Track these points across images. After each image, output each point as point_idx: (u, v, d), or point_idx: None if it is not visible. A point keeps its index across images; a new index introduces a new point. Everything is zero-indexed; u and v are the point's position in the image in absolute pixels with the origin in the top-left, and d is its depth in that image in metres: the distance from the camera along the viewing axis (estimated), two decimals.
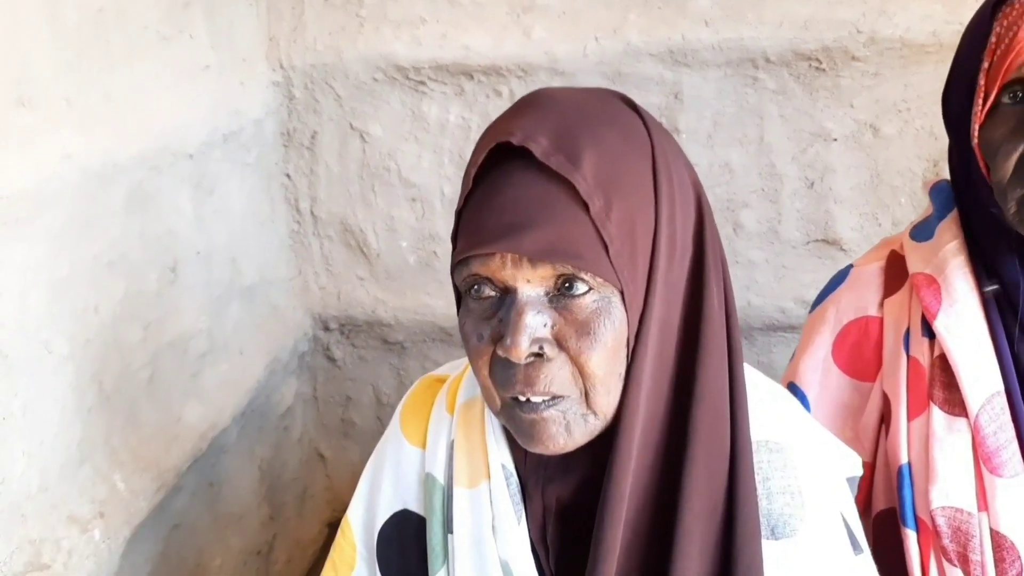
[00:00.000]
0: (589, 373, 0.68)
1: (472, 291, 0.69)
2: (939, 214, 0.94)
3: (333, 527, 1.87)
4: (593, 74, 1.56)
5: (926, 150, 1.55)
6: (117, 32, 1.18)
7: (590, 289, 0.67)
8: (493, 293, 0.69)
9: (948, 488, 0.86)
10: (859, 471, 0.83)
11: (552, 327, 0.68)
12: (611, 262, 0.67)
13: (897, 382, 0.92)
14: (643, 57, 1.54)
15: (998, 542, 0.84)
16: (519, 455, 0.77)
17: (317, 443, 1.84)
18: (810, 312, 1.05)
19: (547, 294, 0.68)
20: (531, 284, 0.67)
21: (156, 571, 1.23)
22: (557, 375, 0.68)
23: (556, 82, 1.58)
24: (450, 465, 0.80)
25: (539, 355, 0.67)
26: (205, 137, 1.37)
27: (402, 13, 1.58)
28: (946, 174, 1.56)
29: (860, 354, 0.97)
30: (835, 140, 1.56)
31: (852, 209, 1.59)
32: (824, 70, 1.52)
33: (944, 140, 1.51)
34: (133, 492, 1.16)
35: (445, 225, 1.70)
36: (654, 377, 0.70)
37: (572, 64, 1.56)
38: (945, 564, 0.89)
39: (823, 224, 1.61)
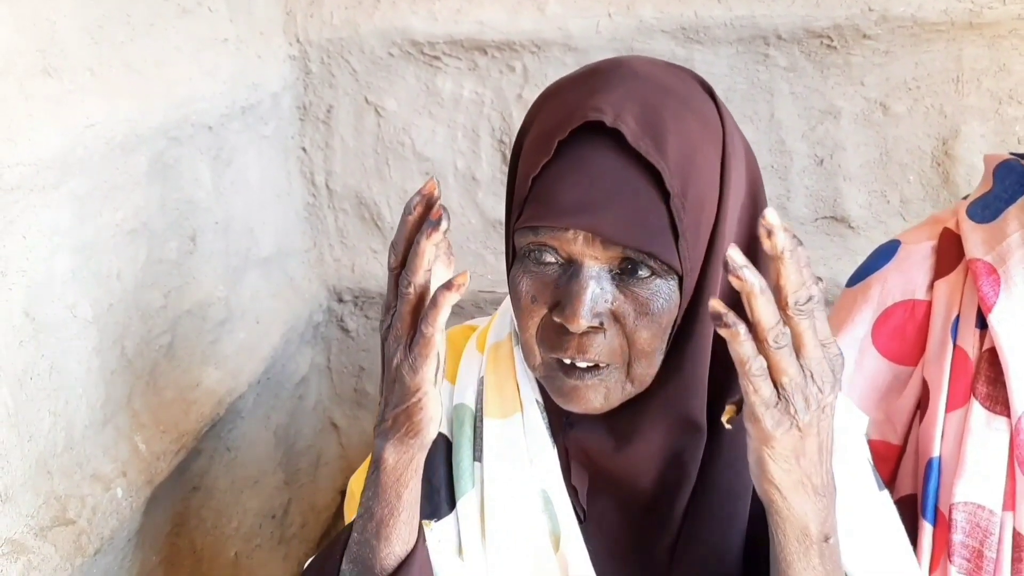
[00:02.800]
0: (639, 349, 0.72)
1: (533, 254, 0.72)
2: (1008, 195, 0.90)
3: (345, 494, 1.91)
4: (606, 50, 1.57)
5: (936, 128, 1.56)
6: (138, 3, 1.20)
7: (653, 273, 0.70)
8: (554, 260, 0.72)
9: (975, 484, 0.85)
10: (865, 430, 0.86)
11: (611, 303, 0.71)
12: (678, 250, 0.70)
13: (940, 371, 0.90)
14: (655, 34, 1.56)
15: (1018, 543, 0.84)
16: (545, 395, 0.81)
17: (331, 412, 1.87)
18: (849, 285, 1.02)
19: (610, 271, 0.71)
20: (598, 261, 0.70)
21: (175, 531, 1.27)
22: (607, 346, 0.72)
23: (569, 58, 1.60)
24: (480, 398, 0.84)
25: (595, 328, 0.70)
26: (224, 109, 1.40)
27: None
28: (956, 153, 1.58)
29: (903, 337, 0.94)
30: (844, 117, 1.57)
31: (861, 186, 1.61)
32: (835, 48, 1.53)
33: (953, 119, 1.53)
34: (154, 453, 1.20)
35: (458, 199, 1.73)
36: (692, 355, 0.74)
37: (585, 40, 1.58)
38: (950, 566, 0.88)
39: (832, 201, 1.62)
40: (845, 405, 0.83)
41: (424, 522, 0.79)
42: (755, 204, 0.77)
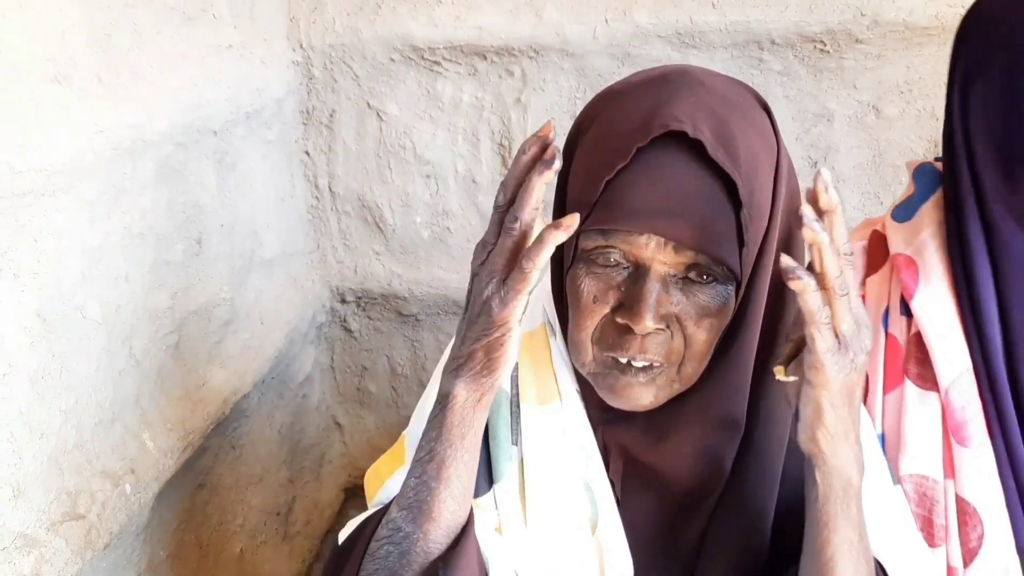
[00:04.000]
0: (695, 351, 0.75)
1: (599, 256, 0.75)
2: (922, 195, 0.99)
3: (349, 492, 1.94)
4: (603, 55, 1.60)
5: (927, 131, 1.59)
6: (144, 11, 1.23)
7: (715, 279, 0.74)
8: (620, 262, 0.74)
9: (917, 456, 0.92)
10: None
11: (675, 306, 0.74)
12: (740, 259, 0.73)
13: (876, 358, 0.97)
14: (651, 39, 1.58)
15: (962, 507, 0.90)
16: (583, 387, 0.83)
17: (334, 411, 1.90)
18: None
19: (674, 276, 0.74)
20: (665, 265, 0.73)
21: (182, 526, 1.30)
22: (665, 347, 0.75)
23: (567, 64, 1.63)
24: (515, 384, 0.85)
25: (660, 329, 0.74)
26: (229, 115, 1.43)
27: None
28: None
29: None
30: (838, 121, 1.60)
31: (854, 188, 1.63)
32: (828, 52, 1.56)
33: None
34: (161, 451, 1.23)
35: (458, 201, 1.75)
36: (738, 357, 0.78)
37: (582, 46, 1.60)
38: None
39: None
40: None
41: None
42: (793, 215, 0.80)
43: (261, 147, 1.58)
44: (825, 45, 1.55)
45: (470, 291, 0.71)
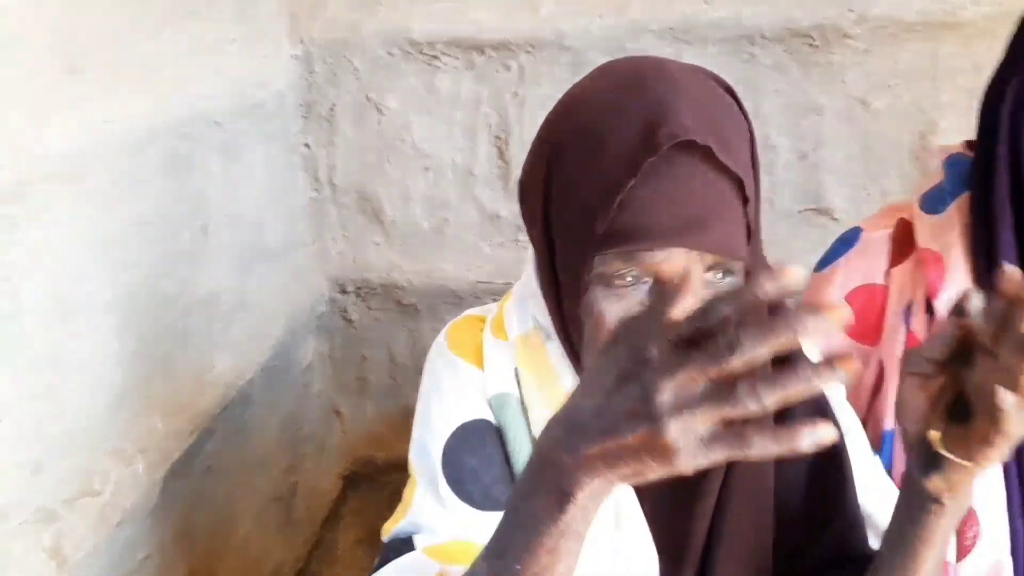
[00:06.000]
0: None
1: (616, 277, 0.72)
2: (955, 188, 0.96)
3: (347, 479, 1.97)
4: (599, 50, 1.64)
5: (914, 124, 1.63)
6: (150, 7, 1.26)
7: (729, 273, 0.73)
8: (637, 278, 0.72)
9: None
10: None
11: None
12: (748, 250, 0.74)
13: (893, 352, 0.95)
14: (645, 34, 1.62)
15: None
16: None
17: (334, 399, 1.94)
18: (816, 271, 1.08)
19: None
20: None
21: (191, 508, 1.33)
22: None
23: (563, 58, 1.66)
24: (519, 389, 0.82)
25: None
26: (232, 107, 1.46)
27: None
28: (934, 147, 1.64)
29: (865, 319, 1.00)
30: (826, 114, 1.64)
31: (843, 180, 1.68)
32: (817, 47, 1.60)
33: (931, 114, 1.60)
34: (169, 433, 1.26)
35: (456, 193, 1.79)
36: None
37: (578, 40, 1.64)
38: None
39: (815, 194, 1.69)
40: None
41: None
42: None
43: (263, 140, 1.61)
44: (814, 40, 1.60)
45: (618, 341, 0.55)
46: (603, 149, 0.72)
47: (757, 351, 0.47)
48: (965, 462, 0.64)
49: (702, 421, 0.48)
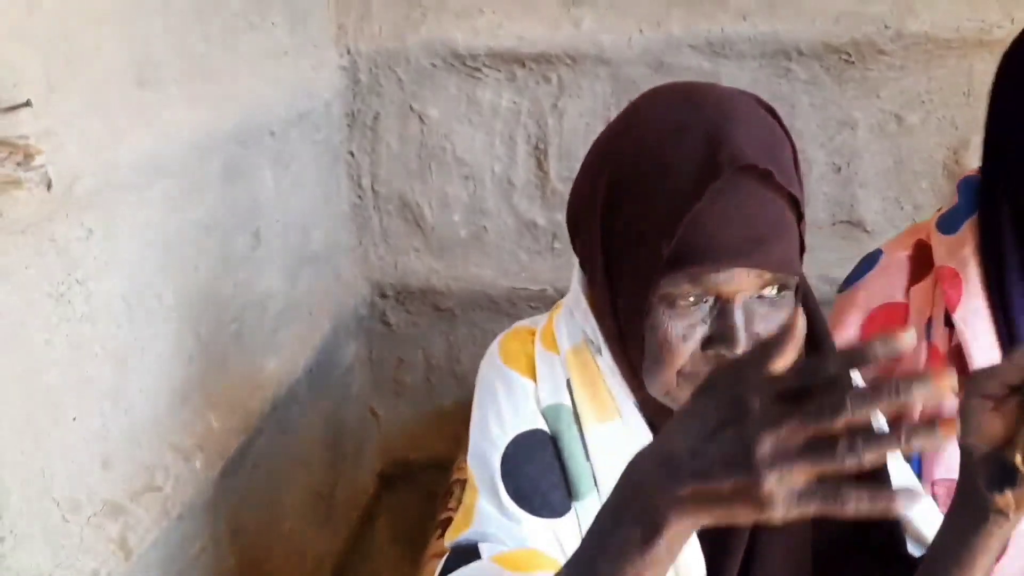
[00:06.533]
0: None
1: (680, 297, 0.75)
2: (968, 208, 1.02)
3: (384, 478, 2.02)
4: (637, 64, 1.68)
5: (947, 139, 1.66)
6: (214, 20, 1.32)
7: (786, 288, 0.77)
8: (697, 296, 0.75)
9: (950, 462, 0.95)
10: None
11: (759, 324, 0.76)
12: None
13: (917, 366, 1.00)
14: (683, 48, 1.66)
15: None
16: (642, 403, 0.85)
17: (372, 401, 1.99)
18: (839, 292, 1.14)
19: (750, 296, 0.76)
20: (745, 292, 0.75)
21: (242, 503, 1.38)
22: None
23: (602, 71, 1.70)
24: (571, 400, 0.85)
25: None
26: (284, 117, 1.51)
27: (461, 4, 1.72)
28: (966, 162, 1.67)
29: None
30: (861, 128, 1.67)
31: (876, 193, 1.71)
32: (853, 63, 1.63)
33: (963, 130, 1.63)
34: (225, 431, 1.31)
35: (494, 202, 1.83)
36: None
37: (617, 53, 1.68)
38: None
39: (848, 207, 1.72)
40: None
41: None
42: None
43: (310, 147, 1.66)
44: (850, 56, 1.63)
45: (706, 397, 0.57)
46: (666, 173, 0.75)
47: (861, 414, 0.49)
48: None
49: (798, 475, 0.51)
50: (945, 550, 0.77)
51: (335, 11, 1.74)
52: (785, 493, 0.51)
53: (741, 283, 0.74)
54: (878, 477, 0.85)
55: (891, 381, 0.49)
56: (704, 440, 0.53)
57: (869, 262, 1.11)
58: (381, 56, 1.77)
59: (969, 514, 0.73)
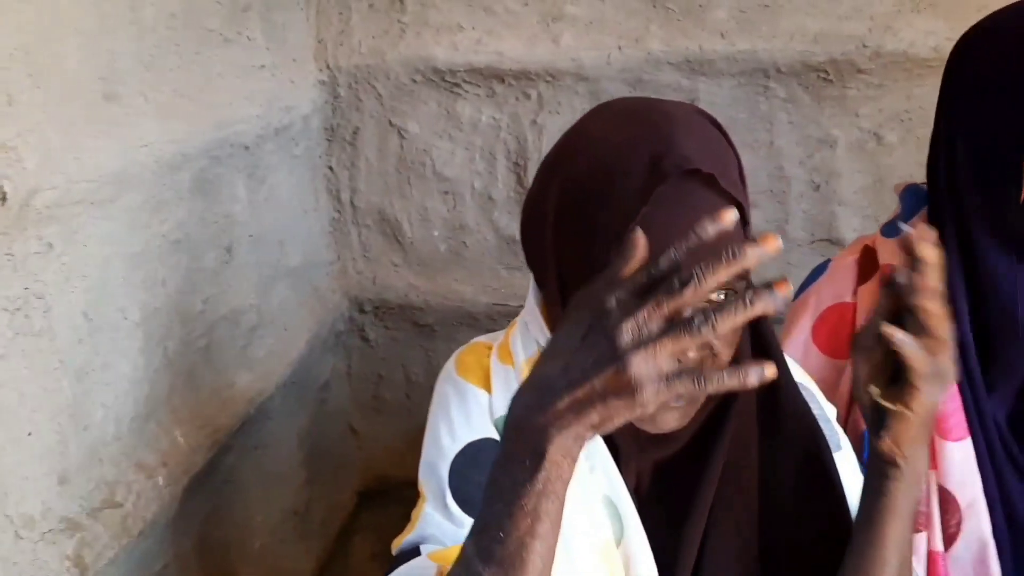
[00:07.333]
0: (721, 365, 0.77)
1: None
2: (908, 213, 1.06)
3: (363, 495, 2.01)
4: (616, 81, 1.68)
5: (925, 158, 1.65)
6: (186, 34, 1.31)
7: (736, 293, 0.76)
8: None
9: None
10: None
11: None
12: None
13: None
14: (662, 66, 1.66)
15: (943, 497, 0.97)
16: None
17: (350, 417, 1.97)
18: (792, 300, 1.17)
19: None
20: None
21: (208, 520, 1.37)
22: None
23: (581, 88, 1.70)
24: None
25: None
26: (260, 131, 1.51)
27: (441, 20, 1.71)
28: None
29: (837, 335, 1.09)
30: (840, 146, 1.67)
31: (855, 211, 1.70)
32: (831, 81, 1.63)
33: None
34: (191, 447, 1.30)
35: (474, 217, 1.83)
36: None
37: (597, 71, 1.68)
38: None
39: (827, 225, 1.72)
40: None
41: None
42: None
43: (288, 162, 1.66)
44: (829, 74, 1.63)
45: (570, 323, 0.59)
46: (614, 181, 0.76)
47: (707, 282, 0.53)
48: (900, 407, 0.74)
49: (663, 354, 0.53)
50: (862, 521, 0.80)
51: (315, 26, 1.74)
52: (652, 376, 0.53)
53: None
54: (813, 430, 0.88)
55: (726, 247, 0.53)
56: (572, 353, 0.56)
57: (819, 270, 1.17)
58: (361, 71, 1.76)
59: (873, 475, 0.79)
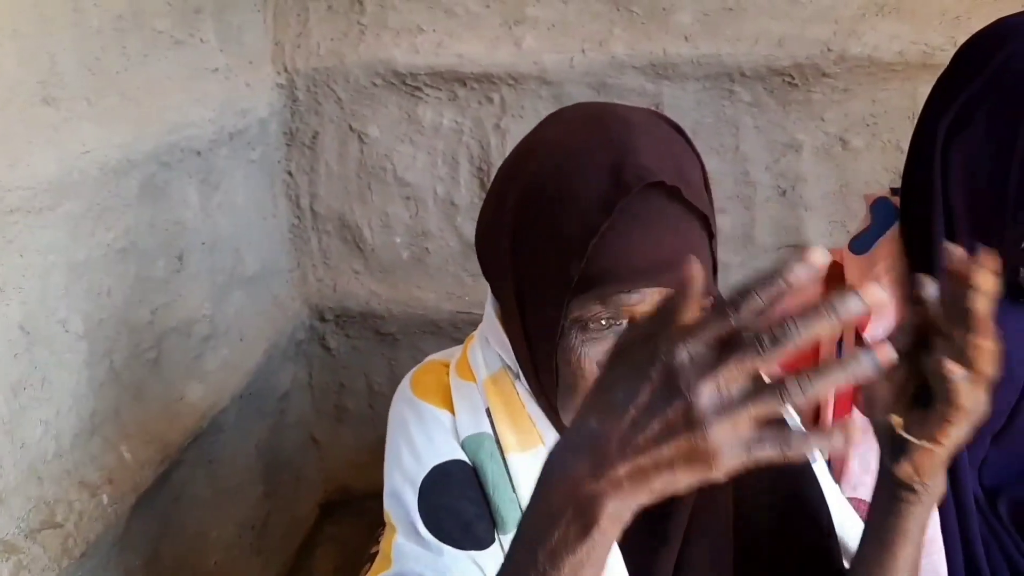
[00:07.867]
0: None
1: (592, 320, 0.72)
2: (878, 229, 1.02)
3: (324, 507, 1.96)
4: (579, 84, 1.65)
5: (892, 162, 1.64)
6: (134, 36, 1.27)
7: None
8: (611, 321, 0.73)
9: (855, 481, 0.97)
10: None
11: None
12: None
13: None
14: (626, 69, 1.64)
15: None
16: (561, 427, 0.82)
17: (311, 427, 1.93)
18: None
19: None
20: None
21: (158, 538, 1.32)
22: None
23: (545, 92, 1.67)
24: (492, 429, 0.82)
25: None
26: (213, 135, 1.47)
27: (401, 22, 1.68)
28: None
29: (801, 354, 1.06)
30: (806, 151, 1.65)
31: (822, 216, 1.69)
32: (797, 85, 1.61)
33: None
34: (139, 463, 1.25)
35: (437, 223, 1.79)
36: None
37: (560, 74, 1.65)
38: None
39: (794, 230, 1.70)
40: None
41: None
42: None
43: (244, 167, 1.61)
44: (794, 78, 1.61)
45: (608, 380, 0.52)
46: (573, 194, 0.73)
47: (802, 340, 0.45)
48: (928, 444, 0.66)
49: (745, 422, 0.46)
50: (871, 539, 0.76)
51: (272, 28, 1.70)
52: (732, 445, 0.46)
53: (653, 304, 0.71)
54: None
55: (823, 302, 0.46)
56: (634, 411, 0.48)
57: None
58: (320, 74, 1.72)
59: (885, 496, 0.73)
